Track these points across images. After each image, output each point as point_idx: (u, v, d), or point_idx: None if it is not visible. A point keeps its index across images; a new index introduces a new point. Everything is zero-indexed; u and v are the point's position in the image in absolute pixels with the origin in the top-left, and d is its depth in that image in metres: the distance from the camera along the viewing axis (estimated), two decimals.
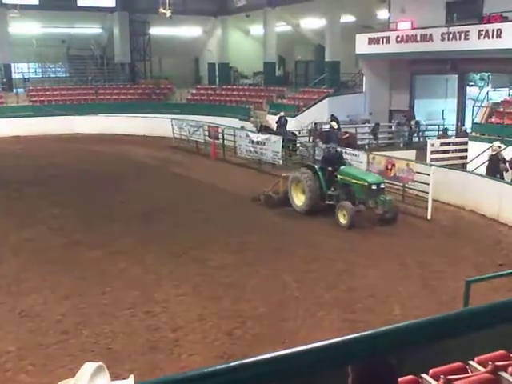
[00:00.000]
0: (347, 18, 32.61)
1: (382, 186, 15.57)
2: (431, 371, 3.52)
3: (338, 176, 16.02)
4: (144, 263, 12.70)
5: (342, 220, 15.21)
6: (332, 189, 16.18)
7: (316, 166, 16.70)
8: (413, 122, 26.78)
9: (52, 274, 11.95)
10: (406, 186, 17.23)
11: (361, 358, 1.79)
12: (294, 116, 28.42)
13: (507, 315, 1.47)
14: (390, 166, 17.66)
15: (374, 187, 15.26)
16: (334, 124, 24.27)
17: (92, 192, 19.19)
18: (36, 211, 16.81)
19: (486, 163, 17.61)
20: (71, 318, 9.88)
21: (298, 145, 23.74)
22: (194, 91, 36.99)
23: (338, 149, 17.62)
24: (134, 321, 9.79)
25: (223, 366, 1.38)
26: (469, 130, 22.34)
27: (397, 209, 15.64)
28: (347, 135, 23.42)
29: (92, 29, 40.30)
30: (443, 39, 23.61)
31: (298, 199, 16.81)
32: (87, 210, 17.12)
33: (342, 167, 16.34)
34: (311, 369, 1.45)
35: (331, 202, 16.10)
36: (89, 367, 1.70)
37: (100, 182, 20.81)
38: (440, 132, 25.07)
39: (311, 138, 24.91)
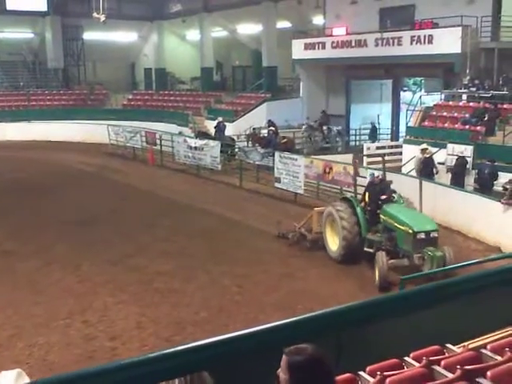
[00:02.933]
0: (283, 24, 32.91)
1: (434, 234, 11.60)
2: (368, 368, 3.56)
3: (381, 216, 12.49)
4: (79, 272, 12.41)
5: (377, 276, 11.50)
6: (375, 232, 12.64)
7: (353, 200, 13.08)
8: (325, 128, 26.60)
9: None
10: (344, 189, 17.44)
11: (295, 342, 1.78)
12: (233, 121, 28.44)
13: (435, 297, 1.48)
14: (327, 170, 17.87)
15: (421, 236, 11.46)
16: (273, 129, 24.42)
17: (25, 201, 18.64)
18: None
19: (416, 165, 18.04)
20: (4, 331, 9.58)
21: (236, 150, 23.74)
22: (131, 97, 36.50)
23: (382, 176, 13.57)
24: (69, 331, 9.56)
25: (135, 360, 1.34)
26: (403, 134, 22.92)
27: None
28: (285, 140, 23.58)
29: (23, 33, 39.14)
30: (377, 45, 24.11)
31: (334, 242, 13.18)
32: (19, 219, 16.63)
33: (388, 204, 12.59)
34: (240, 355, 1.43)
35: (370, 250, 12.33)
36: (8, 374, 1.62)
37: (33, 190, 20.24)
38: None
39: (250, 142, 24.96)
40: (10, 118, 31.97)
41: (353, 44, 25.36)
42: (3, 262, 13.00)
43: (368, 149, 21.56)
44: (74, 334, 9.43)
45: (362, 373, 3.55)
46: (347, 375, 3.50)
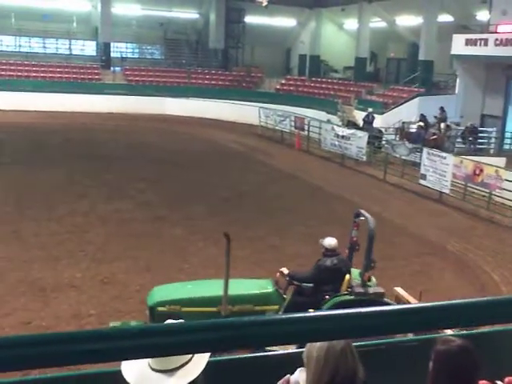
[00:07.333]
0: (445, 18, 31.87)
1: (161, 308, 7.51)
2: (507, 379, 3.40)
3: None
4: (221, 244, 13.00)
5: None
6: None
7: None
8: (443, 125, 24.78)
9: (135, 246, 12.51)
10: (493, 193, 16.80)
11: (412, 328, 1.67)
12: (382, 113, 28.16)
13: None
14: (477, 172, 17.29)
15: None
16: (421, 123, 23.82)
17: (178, 172, 19.72)
18: (124, 185, 17.56)
19: None
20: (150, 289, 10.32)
21: (383, 142, 23.53)
22: (284, 81, 37.20)
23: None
24: None
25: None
26: None
27: None
28: (435, 136, 22.99)
29: (189, 13, 41.18)
30: None
31: None
32: (172, 188, 17.67)
33: None
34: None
35: None
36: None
37: (187, 163, 21.36)
38: None
39: (398, 136, 24.62)
40: (170, 93, 33.87)
41: None
42: (154, 226, 13.98)
43: None
44: None
45: (499, 382, 3.41)
46: (484, 382, 3.40)
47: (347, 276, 7.56)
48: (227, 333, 1.18)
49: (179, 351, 1.36)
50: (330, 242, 7.96)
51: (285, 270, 7.86)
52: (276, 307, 7.55)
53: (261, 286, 7.86)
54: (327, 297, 7.45)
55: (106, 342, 1.15)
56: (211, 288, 7.27)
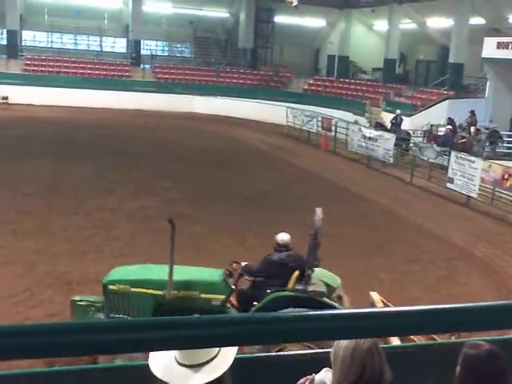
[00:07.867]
0: (476, 20, 31.49)
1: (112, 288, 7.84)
2: None
3: None
4: (246, 243, 13.09)
5: None
6: None
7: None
8: (473, 129, 24.40)
9: (159, 242, 12.60)
10: None
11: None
12: (410, 115, 27.97)
13: None
14: (506, 176, 17.10)
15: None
16: (450, 127, 23.61)
17: (204, 170, 19.86)
18: (151, 182, 17.73)
19: None
20: None
21: (411, 145, 23.37)
22: (312, 81, 37.15)
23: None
24: None
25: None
26: None
27: None
28: (464, 140, 22.77)
29: (219, 12, 41.30)
30: None
31: None
32: (196, 186, 17.79)
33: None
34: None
35: None
36: None
37: (211, 161, 21.46)
38: None
39: (425, 139, 24.43)
40: (199, 91, 34.05)
41: None
42: (178, 225, 14.00)
43: None
44: None
45: None
46: None
47: (296, 272, 7.55)
48: (260, 327, 1.21)
49: (208, 344, 1.39)
50: (282, 237, 7.92)
51: (243, 263, 7.90)
52: (222, 297, 7.63)
53: (209, 275, 7.92)
54: (268, 291, 7.52)
55: (132, 333, 1.17)
56: (166, 272, 7.30)
